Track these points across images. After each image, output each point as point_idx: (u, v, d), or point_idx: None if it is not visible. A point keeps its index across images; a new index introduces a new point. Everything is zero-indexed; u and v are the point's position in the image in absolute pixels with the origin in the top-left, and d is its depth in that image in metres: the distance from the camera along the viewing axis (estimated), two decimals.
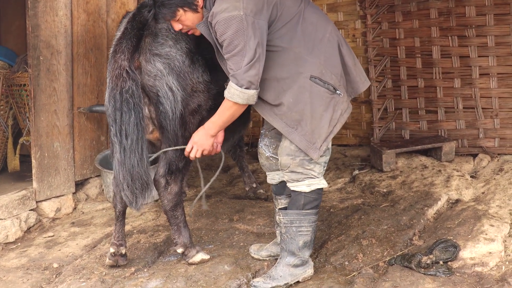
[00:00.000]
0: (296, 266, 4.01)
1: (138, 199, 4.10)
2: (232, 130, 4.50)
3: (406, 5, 7.38)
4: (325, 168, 4.04)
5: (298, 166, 3.88)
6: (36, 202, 5.58)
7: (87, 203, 6.08)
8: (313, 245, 4.10)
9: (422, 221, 4.89)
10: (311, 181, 3.91)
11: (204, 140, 4.01)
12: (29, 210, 5.52)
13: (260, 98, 3.81)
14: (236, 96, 3.67)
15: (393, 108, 7.44)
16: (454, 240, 4.25)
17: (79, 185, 6.14)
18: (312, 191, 3.92)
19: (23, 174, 6.22)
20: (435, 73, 7.17)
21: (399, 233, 4.68)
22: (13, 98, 6.35)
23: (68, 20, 5.78)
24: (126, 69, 3.96)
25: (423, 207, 5.12)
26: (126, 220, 4.70)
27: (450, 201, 5.32)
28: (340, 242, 4.63)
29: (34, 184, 5.56)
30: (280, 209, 4.21)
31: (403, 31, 7.41)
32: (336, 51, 3.89)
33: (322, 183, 3.96)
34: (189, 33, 3.99)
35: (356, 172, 6.42)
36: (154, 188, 4.31)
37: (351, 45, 7.55)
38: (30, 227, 5.51)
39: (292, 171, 3.91)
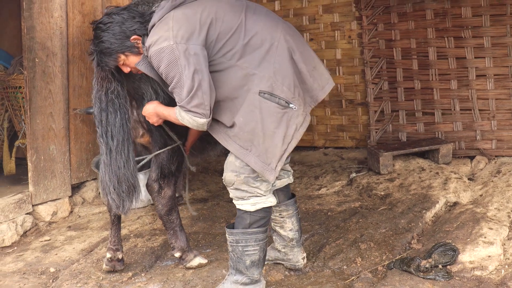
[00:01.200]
0: (244, 284, 3.84)
1: (125, 202, 4.07)
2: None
3: (402, 6, 7.38)
4: (274, 185, 3.93)
5: (243, 184, 3.70)
6: (32, 205, 5.56)
7: (84, 206, 6.06)
8: (263, 263, 3.92)
9: (420, 224, 4.88)
10: (257, 199, 3.73)
11: (152, 116, 3.99)
12: (25, 214, 5.49)
13: (215, 120, 3.67)
14: (186, 121, 3.56)
15: (390, 110, 7.43)
16: (453, 244, 4.24)
17: (76, 188, 6.12)
18: (258, 210, 3.74)
19: (19, 178, 6.21)
20: (432, 74, 7.17)
21: (398, 236, 4.67)
22: (8, 101, 6.34)
23: (64, 22, 5.76)
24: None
25: (421, 210, 5.11)
26: (122, 224, 4.69)
27: (448, 204, 5.31)
28: (338, 246, 4.61)
29: (30, 188, 5.54)
30: (226, 226, 3.95)
31: (399, 33, 7.41)
32: (286, 59, 3.66)
33: (269, 201, 3.78)
34: (139, 73, 3.91)
35: (354, 175, 6.41)
36: (142, 191, 4.30)
37: (347, 47, 7.65)
38: (27, 231, 5.49)
39: (236, 189, 3.74)
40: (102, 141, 4.02)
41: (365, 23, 7.61)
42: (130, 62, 3.79)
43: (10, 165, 6.47)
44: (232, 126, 3.62)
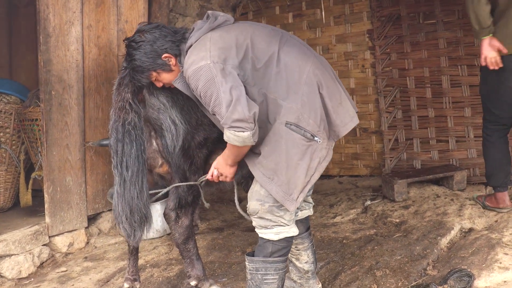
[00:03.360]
0: None
1: (136, 232, 4.07)
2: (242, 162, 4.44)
3: (415, 35, 7.43)
4: (297, 215, 3.92)
5: (267, 213, 3.69)
6: (49, 237, 5.58)
7: (100, 237, 6.08)
8: None
9: (435, 250, 4.86)
10: (280, 229, 3.72)
11: (223, 167, 3.89)
12: (42, 245, 5.51)
13: None
14: (232, 139, 3.50)
15: (404, 139, 7.45)
16: (469, 270, 4.22)
17: (92, 219, 6.13)
18: (281, 239, 3.73)
19: (36, 209, 6.24)
20: (445, 102, 7.19)
21: (413, 263, 4.65)
22: (25, 133, 6.40)
23: (80, 55, 5.82)
24: (129, 102, 3.97)
25: (436, 237, 5.09)
26: (139, 254, 4.70)
27: (463, 230, 5.29)
28: (354, 274, 4.60)
29: (47, 219, 5.57)
30: (246, 254, 3.92)
31: (412, 62, 7.46)
32: (315, 93, 3.65)
33: (292, 231, 3.76)
34: (172, 87, 3.93)
35: (368, 202, 6.40)
36: (158, 221, 4.32)
37: (360, 76, 7.70)
38: (43, 262, 5.50)
39: (260, 217, 3.72)
40: (116, 171, 4.03)
41: (378, 53, 7.67)
42: (162, 78, 3.85)
43: (26, 197, 6.52)
44: (257, 153, 3.65)
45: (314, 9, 8.29)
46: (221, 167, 3.90)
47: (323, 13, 8.19)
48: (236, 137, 3.46)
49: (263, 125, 3.60)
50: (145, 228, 4.14)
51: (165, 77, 3.85)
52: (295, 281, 4.30)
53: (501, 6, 5.38)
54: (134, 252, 4.56)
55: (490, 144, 5.76)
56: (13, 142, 6.54)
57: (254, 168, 3.66)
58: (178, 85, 3.79)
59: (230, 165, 3.87)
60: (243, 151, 3.68)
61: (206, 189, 4.57)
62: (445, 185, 6.41)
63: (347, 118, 3.78)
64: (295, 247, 4.18)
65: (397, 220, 5.70)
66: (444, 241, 5.04)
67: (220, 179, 3.97)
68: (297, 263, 4.21)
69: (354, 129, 7.90)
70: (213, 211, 6.80)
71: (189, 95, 3.79)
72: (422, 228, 5.35)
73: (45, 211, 5.58)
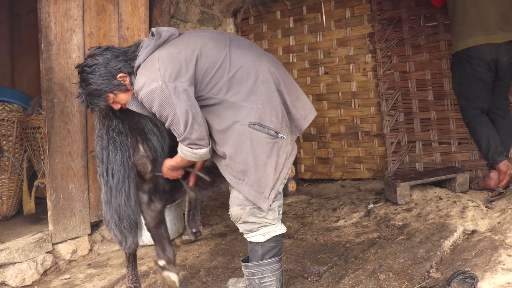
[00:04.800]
0: None
1: (127, 238, 4.11)
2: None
3: (416, 38, 7.44)
4: (280, 213, 3.90)
5: (250, 216, 3.73)
6: (52, 244, 5.60)
7: (103, 244, 6.09)
8: None
9: (438, 253, 4.85)
10: (266, 229, 3.76)
11: (170, 173, 4.08)
12: (45, 253, 5.52)
13: (212, 149, 3.76)
14: (189, 156, 3.65)
15: (406, 141, 7.46)
16: (472, 272, 4.21)
17: (95, 226, 6.15)
18: (269, 239, 3.77)
19: (39, 217, 6.26)
20: (447, 104, 7.20)
21: (416, 266, 4.64)
22: (27, 141, 6.41)
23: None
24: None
25: (439, 239, 5.07)
26: (142, 261, 4.71)
27: (466, 232, 5.27)
28: (357, 277, 4.59)
29: (50, 227, 5.58)
30: (242, 261, 3.99)
31: (414, 64, 7.46)
32: (273, 91, 3.72)
33: (278, 229, 3.81)
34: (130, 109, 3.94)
35: (371, 206, 6.39)
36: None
37: (361, 79, 7.70)
38: (47, 270, 5.52)
39: (244, 222, 3.77)
40: (102, 179, 4.06)
41: (379, 56, 7.68)
42: (120, 99, 3.84)
43: (29, 205, 6.53)
44: (225, 157, 3.69)
45: (315, 13, 8.31)
46: (166, 174, 4.11)
47: (324, 17, 8.21)
48: (194, 154, 3.62)
49: (226, 129, 3.64)
50: (136, 233, 4.18)
51: (122, 98, 3.84)
52: None
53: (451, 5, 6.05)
54: (131, 259, 4.57)
55: (474, 124, 6.14)
56: (16, 150, 6.56)
57: (224, 171, 3.74)
58: (133, 107, 3.82)
59: (176, 171, 4.08)
60: (192, 162, 3.86)
61: (202, 192, 4.61)
62: (447, 187, 6.39)
63: (306, 111, 3.90)
64: None
65: (400, 223, 5.69)
66: (447, 244, 5.03)
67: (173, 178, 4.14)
68: None
69: (356, 133, 7.92)
70: (216, 216, 6.81)
71: (146, 114, 3.81)
72: (425, 230, 5.34)
73: (48, 218, 5.59)
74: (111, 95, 3.80)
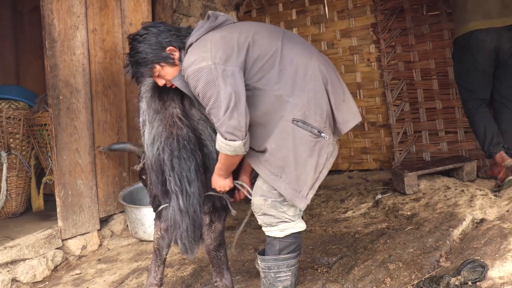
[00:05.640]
0: None
1: (194, 247, 3.93)
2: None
3: (419, 28, 7.45)
4: (301, 211, 3.85)
5: (271, 208, 3.69)
6: (62, 240, 5.61)
7: (112, 239, 6.11)
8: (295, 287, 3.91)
9: (448, 242, 4.85)
10: (285, 225, 3.71)
11: (218, 181, 3.89)
12: (56, 249, 5.54)
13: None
14: (224, 148, 3.52)
15: (413, 131, 7.46)
16: (482, 260, 4.20)
17: (104, 221, 6.17)
18: (287, 235, 3.72)
19: (48, 213, 6.27)
20: (452, 93, 7.21)
21: (426, 255, 4.64)
22: (34, 138, 6.43)
23: (86, 59, 5.85)
24: (179, 116, 3.85)
25: (448, 228, 5.07)
26: (152, 255, 4.69)
27: (475, 220, 5.27)
28: (367, 268, 4.59)
29: (59, 223, 5.60)
30: (258, 253, 3.95)
31: (418, 54, 7.48)
32: (321, 89, 3.64)
33: (298, 227, 3.76)
34: (173, 87, 3.85)
35: (379, 196, 6.39)
36: None
37: (366, 70, 7.69)
38: (57, 266, 5.53)
39: (264, 214, 3.72)
40: (176, 188, 3.82)
41: (383, 46, 7.68)
42: (166, 73, 3.77)
43: (38, 202, 6.55)
44: (263, 152, 3.62)
45: (317, 4, 8.30)
46: (215, 182, 3.91)
47: (326, 8, 8.20)
48: (228, 146, 3.48)
49: (269, 122, 3.59)
50: (200, 242, 4.05)
51: (169, 72, 3.77)
52: None
53: None
54: (164, 260, 4.42)
55: (474, 113, 6.17)
56: (23, 147, 6.58)
57: (260, 166, 3.65)
58: (177, 83, 3.75)
59: (224, 177, 3.87)
60: (235, 161, 3.70)
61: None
62: (455, 176, 6.39)
63: (350, 116, 3.77)
64: None
65: (409, 213, 5.69)
66: (456, 233, 5.03)
67: (221, 190, 3.95)
68: None
69: (362, 124, 7.92)
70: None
71: (187, 93, 3.76)
72: (434, 220, 5.34)
73: (57, 215, 5.61)
74: (158, 67, 3.75)
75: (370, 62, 7.89)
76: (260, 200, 3.72)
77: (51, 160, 6.05)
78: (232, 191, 4.15)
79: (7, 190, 6.49)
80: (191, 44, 3.69)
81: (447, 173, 6.46)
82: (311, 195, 3.63)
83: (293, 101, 3.54)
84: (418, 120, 7.45)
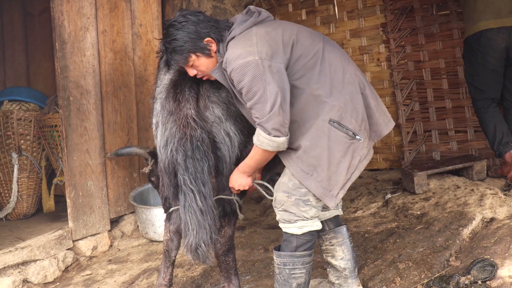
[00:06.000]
0: None
1: (210, 250, 3.86)
2: (269, 167, 4.21)
3: (429, 27, 7.44)
4: (320, 211, 3.86)
5: (293, 206, 3.68)
6: (73, 241, 5.64)
7: (123, 240, 6.13)
8: (308, 286, 3.90)
9: (457, 241, 4.84)
10: (303, 223, 3.71)
11: (240, 179, 3.90)
12: (66, 250, 5.57)
13: None
14: (266, 144, 3.51)
15: (422, 131, 7.45)
16: (491, 259, 4.20)
17: (114, 222, 6.19)
18: (305, 233, 3.73)
19: (59, 214, 6.31)
20: (462, 93, 7.19)
21: (436, 254, 4.64)
22: (45, 140, 6.46)
23: (96, 60, 5.87)
24: (193, 117, 3.83)
25: (458, 228, 5.07)
26: (161, 256, 4.70)
27: (485, 220, 5.26)
28: (376, 267, 4.60)
29: (70, 224, 5.62)
30: (274, 249, 3.93)
31: (427, 53, 7.46)
32: (358, 93, 3.69)
33: (315, 225, 3.75)
34: (204, 78, 3.87)
35: (389, 196, 6.38)
36: None
37: (375, 70, 7.69)
38: (68, 266, 5.56)
39: (285, 210, 3.72)
40: (193, 188, 3.77)
41: (393, 46, 7.67)
42: (200, 63, 3.74)
43: (49, 203, 6.58)
44: (296, 148, 3.63)
45: (327, 4, 8.30)
46: (235, 180, 3.91)
47: (336, 8, 8.21)
48: (272, 142, 3.48)
49: (305, 120, 3.61)
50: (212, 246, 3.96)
51: (203, 63, 3.75)
52: (333, 283, 4.22)
53: None
54: (173, 261, 4.43)
55: (482, 115, 6.17)
56: (34, 149, 6.61)
57: (291, 162, 3.65)
58: (216, 75, 3.73)
59: (248, 174, 3.89)
60: (269, 157, 3.70)
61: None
62: (465, 176, 6.37)
63: (387, 119, 3.85)
64: (329, 242, 4.14)
65: (418, 212, 5.68)
66: (466, 232, 5.02)
67: (240, 189, 3.95)
68: (333, 261, 4.15)
69: None
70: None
71: (225, 85, 3.75)
72: (444, 219, 5.34)
73: (68, 215, 5.63)
74: (193, 56, 3.71)
75: (380, 62, 7.88)
76: (283, 196, 3.72)
77: (61, 161, 6.09)
78: (242, 194, 4.17)
79: (18, 191, 6.53)
80: (233, 37, 3.69)
81: (457, 173, 6.44)
82: (341, 195, 3.66)
83: (331, 102, 3.58)
84: (428, 120, 7.44)
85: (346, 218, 6.00)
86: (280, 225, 3.82)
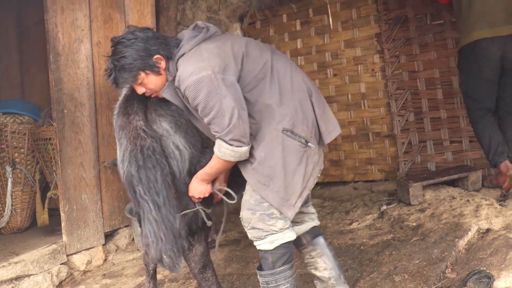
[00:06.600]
0: None
1: (179, 260, 3.87)
2: (242, 181, 4.06)
3: (423, 37, 7.43)
4: (290, 221, 3.79)
5: (259, 221, 3.66)
6: (67, 255, 5.61)
7: (117, 254, 6.10)
8: None
9: (453, 253, 4.83)
10: (273, 237, 3.68)
11: (199, 186, 3.91)
12: (60, 264, 5.54)
13: None
14: (228, 155, 3.52)
15: (417, 141, 7.43)
16: (488, 271, 4.19)
17: (109, 236, 6.16)
18: (277, 247, 3.69)
19: (53, 228, 6.26)
20: (457, 103, 7.17)
21: (432, 266, 4.62)
22: (39, 153, 6.43)
23: (90, 72, 5.86)
24: (143, 128, 3.85)
25: (454, 239, 5.06)
26: (157, 269, 4.68)
27: (481, 230, 5.25)
28: (372, 280, 4.59)
29: (64, 238, 5.60)
30: (257, 268, 3.91)
31: (422, 63, 7.44)
32: (306, 99, 3.72)
33: (287, 237, 3.72)
34: (153, 96, 3.87)
35: (384, 207, 6.37)
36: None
37: (370, 80, 7.69)
38: (62, 281, 5.53)
39: (253, 227, 3.70)
40: (147, 198, 3.80)
41: (387, 56, 7.66)
42: (149, 81, 3.73)
43: (43, 216, 6.55)
44: (252, 160, 3.64)
45: (321, 15, 8.29)
46: (195, 188, 3.93)
47: (331, 19, 8.21)
48: (234, 152, 3.51)
49: (259, 131, 3.62)
50: (183, 255, 4.00)
51: (152, 81, 3.74)
52: None
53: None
54: (153, 275, 4.46)
55: (479, 122, 6.17)
56: (28, 162, 6.59)
57: (249, 174, 3.67)
58: (166, 95, 3.75)
59: (207, 182, 3.91)
60: (230, 166, 3.71)
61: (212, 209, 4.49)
62: (460, 186, 6.37)
63: (331, 127, 3.87)
64: (309, 255, 4.12)
65: (414, 224, 5.67)
66: (462, 243, 5.01)
67: (200, 196, 3.96)
68: (317, 273, 4.11)
69: (367, 134, 7.90)
70: (229, 223, 6.78)
71: (177, 104, 3.76)
72: (439, 230, 5.33)
73: (62, 229, 5.61)
74: (142, 74, 3.70)
75: (375, 72, 7.88)
76: (248, 213, 3.71)
77: (55, 174, 6.06)
78: (207, 204, 4.17)
79: (12, 205, 6.50)
80: (182, 55, 3.69)
81: (452, 183, 6.44)
82: (299, 204, 3.66)
83: (283, 111, 3.60)
84: (423, 130, 7.43)
85: (342, 231, 5.99)
86: (254, 243, 3.81)
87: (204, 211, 4.09)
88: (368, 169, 7.97)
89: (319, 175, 3.86)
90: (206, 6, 8.33)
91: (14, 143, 6.50)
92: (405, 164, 7.47)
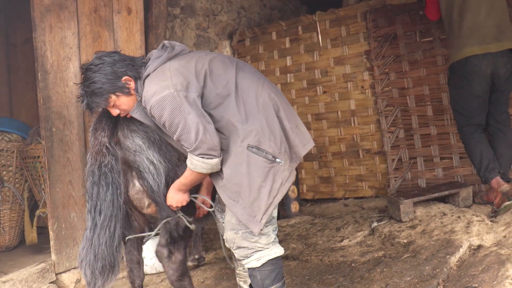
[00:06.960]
0: None
1: (97, 280, 3.92)
2: None
3: (412, 54, 7.45)
4: (275, 235, 3.81)
5: (243, 240, 3.68)
6: (56, 274, 5.55)
7: None
8: None
9: (445, 269, 4.81)
10: (259, 254, 3.69)
11: (176, 196, 3.96)
12: (49, 283, 5.48)
13: None
14: (200, 167, 3.58)
15: (408, 158, 7.44)
16: (479, 287, 4.18)
17: None
18: (264, 263, 3.69)
19: (41, 246, 6.22)
20: (447, 119, 7.18)
21: (423, 283, 4.59)
22: (27, 171, 6.40)
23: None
24: (106, 145, 3.94)
25: (445, 256, 5.04)
26: (148, 287, 4.65)
27: (472, 247, 5.24)
28: None
29: (53, 256, 5.54)
30: (250, 285, 3.94)
31: (412, 80, 7.46)
32: (273, 116, 3.72)
33: (273, 253, 3.73)
34: (128, 116, 3.92)
35: (375, 224, 6.35)
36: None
37: (360, 97, 7.70)
38: None
39: (238, 247, 3.71)
40: (89, 216, 3.93)
41: (377, 73, 7.67)
42: (121, 103, 3.81)
43: (32, 235, 6.50)
44: (221, 176, 3.67)
45: (311, 32, 8.31)
46: (172, 198, 3.98)
47: (320, 36, 8.22)
48: (205, 164, 3.56)
49: (225, 148, 3.64)
50: (108, 277, 3.99)
51: (124, 102, 3.81)
52: None
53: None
54: None
55: (468, 141, 6.18)
56: (16, 180, 6.54)
57: (220, 191, 3.70)
58: (136, 115, 3.82)
59: (184, 191, 3.97)
60: (204, 176, 3.77)
61: (197, 224, 4.52)
62: (451, 203, 6.37)
63: (305, 140, 3.89)
64: (243, 268, 4.23)
65: (405, 241, 5.65)
66: (453, 260, 4.99)
67: (177, 205, 4.00)
68: (245, 286, 4.22)
69: (357, 151, 7.91)
70: (219, 240, 6.76)
71: (148, 123, 3.82)
72: (431, 247, 5.31)
73: (51, 248, 5.56)
74: (113, 97, 3.77)
75: (364, 89, 7.89)
76: (231, 234, 3.73)
77: (44, 192, 6.02)
78: (188, 213, 4.22)
79: (0, 223, 6.45)
80: (148, 75, 3.74)
81: (443, 200, 6.44)
82: (264, 220, 3.63)
83: (248, 128, 3.62)
84: (413, 147, 7.43)
85: (333, 248, 5.96)
86: (242, 262, 3.81)
87: (184, 217, 4.14)
88: (358, 186, 7.96)
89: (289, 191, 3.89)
90: (195, 24, 8.33)
91: (2, 161, 6.46)
92: (395, 180, 7.47)
